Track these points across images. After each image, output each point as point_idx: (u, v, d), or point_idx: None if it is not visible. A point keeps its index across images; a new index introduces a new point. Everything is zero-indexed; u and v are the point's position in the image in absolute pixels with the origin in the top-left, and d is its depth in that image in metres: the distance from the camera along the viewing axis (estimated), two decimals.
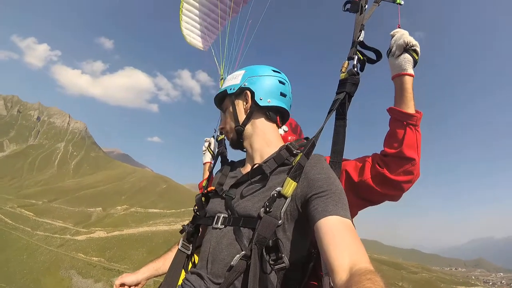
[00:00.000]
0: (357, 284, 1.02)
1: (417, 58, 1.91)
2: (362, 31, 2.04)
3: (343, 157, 2.04)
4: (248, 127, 1.92)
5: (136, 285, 2.16)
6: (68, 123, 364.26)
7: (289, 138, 2.65)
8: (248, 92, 1.91)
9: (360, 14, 2.09)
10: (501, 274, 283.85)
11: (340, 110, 1.87)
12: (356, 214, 2.13)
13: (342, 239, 1.26)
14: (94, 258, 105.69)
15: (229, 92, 1.96)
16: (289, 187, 1.52)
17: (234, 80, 1.99)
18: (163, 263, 2.19)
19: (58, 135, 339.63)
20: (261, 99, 1.88)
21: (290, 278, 1.60)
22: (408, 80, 1.88)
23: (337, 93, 1.90)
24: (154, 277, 2.23)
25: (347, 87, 1.86)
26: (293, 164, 1.60)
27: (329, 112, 1.81)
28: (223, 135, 3.11)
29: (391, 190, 1.96)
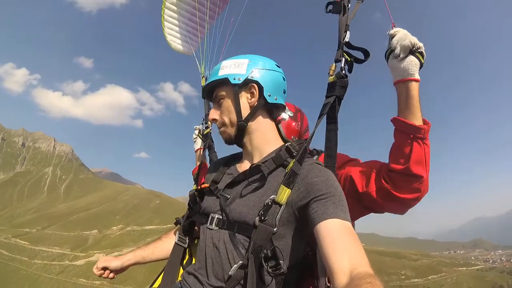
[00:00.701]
0: (357, 287, 1.02)
1: (423, 61, 1.77)
2: (348, 31, 1.93)
3: (350, 156, 2.05)
4: (252, 123, 1.80)
5: (119, 270, 2.09)
6: (54, 147, 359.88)
7: (293, 124, 2.46)
8: (256, 86, 1.78)
9: (343, 14, 1.96)
10: (500, 251, 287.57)
11: (330, 114, 1.79)
12: (356, 219, 2.06)
13: (342, 242, 1.26)
14: (96, 282, 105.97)
15: (232, 81, 1.77)
16: (283, 194, 1.49)
17: (237, 68, 1.80)
18: (152, 252, 2.13)
19: (45, 160, 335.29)
20: (269, 95, 1.79)
21: (286, 280, 1.60)
22: (415, 87, 1.74)
23: (327, 97, 1.82)
24: (140, 264, 2.14)
25: (336, 90, 1.79)
26: (287, 171, 1.56)
27: (319, 117, 1.76)
28: (209, 129, 3.27)
29: (397, 206, 1.87)
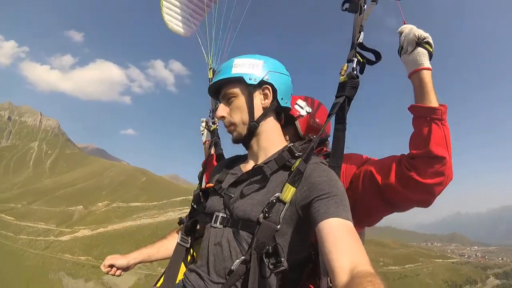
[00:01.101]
0: (358, 286, 1.02)
1: (431, 50, 1.78)
2: (362, 32, 1.95)
3: (365, 155, 2.06)
4: (262, 125, 1.82)
5: (125, 268, 2.16)
6: (40, 121, 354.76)
7: (311, 121, 2.45)
8: (270, 88, 1.80)
9: (359, 14, 1.98)
10: (476, 247, 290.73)
11: (339, 114, 1.80)
12: (380, 219, 2.04)
13: (343, 241, 1.26)
14: (81, 257, 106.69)
15: (248, 82, 1.77)
16: (288, 192, 1.51)
17: (253, 69, 1.80)
18: (157, 251, 2.18)
19: (31, 134, 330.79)
20: (282, 99, 1.82)
21: (288, 279, 1.62)
22: (427, 74, 1.73)
23: (337, 97, 1.83)
24: (145, 262, 2.22)
25: (347, 90, 1.80)
26: (292, 169, 1.58)
27: (328, 116, 1.79)
28: (216, 125, 3.27)
29: (421, 194, 1.76)
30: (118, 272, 2.15)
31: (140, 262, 2.18)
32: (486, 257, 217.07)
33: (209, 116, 3.50)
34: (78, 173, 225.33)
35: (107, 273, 2.11)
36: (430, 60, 1.77)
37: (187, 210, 2.15)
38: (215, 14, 3.81)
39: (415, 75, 1.77)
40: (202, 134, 3.63)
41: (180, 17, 4.45)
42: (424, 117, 1.71)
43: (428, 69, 1.74)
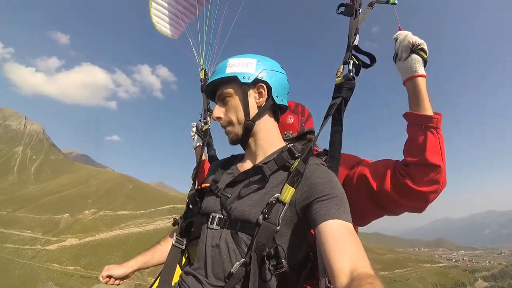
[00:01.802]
0: None
1: (426, 57, 1.75)
2: (357, 35, 1.95)
3: (359, 156, 2.08)
4: (258, 123, 1.78)
5: (123, 277, 2.13)
6: (24, 125, 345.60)
7: (288, 118, 2.49)
8: (265, 86, 1.76)
9: (355, 18, 1.98)
10: (463, 251, 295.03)
11: (336, 115, 1.80)
12: (370, 222, 2.06)
13: (343, 243, 1.25)
14: (70, 267, 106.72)
15: (242, 80, 1.72)
16: (288, 193, 1.49)
17: (246, 67, 1.75)
18: (152, 257, 2.14)
19: (15, 139, 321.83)
20: (277, 96, 1.79)
21: (287, 280, 1.60)
22: (421, 81, 1.72)
23: (333, 98, 1.83)
24: (142, 269, 2.18)
25: (343, 92, 1.80)
26: (291, 170, 1.56)
27: (325, 117, 1.76)
28: (208, 125, 3.25)
29: (415, 201, 1.76)
30: (117, 282, 2.13)
31: (137, 270, 2.16)
32: (473, 260, 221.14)
33: (201, 116, 3.51)
34: (63, 180, 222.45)
35: (106, 283, 2.10)
36: (425, 66, 1.76)
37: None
38: (207, 14, 3.75)
39: (409, 82, 1.77)
40: (193, 139, 3.59)
41: (168, 19, 4.39)
42: (420, 125, 1.72)
43: (422, 76, 1.73)
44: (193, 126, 3.58)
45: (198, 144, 3.47)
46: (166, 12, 4.33)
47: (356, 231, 1.70)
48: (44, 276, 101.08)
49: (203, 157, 3.13)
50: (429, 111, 1.70)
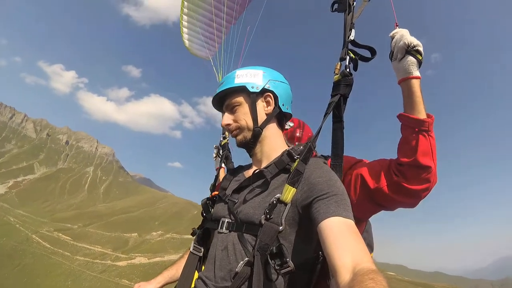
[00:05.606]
0: (360, 284, 1.02)
1: (421, 58, 1.81)
2: (353, 29, 1.97)
3: (358, 158, 2.13)
4: (265, 130, 1.88)
5: None
6: (96, 148, 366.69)
7: (297, 132, 2.69)
8: (272, 95, 1.88)
9: (349, 13, 2.00)
10: None
11: (336, 112, 1.84)
12: (369, 217, 2.19)
13: (345, 240, 1.27)
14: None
15: (251, 90, 1.85)
16: (288, 193, 1.53)
17: (254, 78, 1.88)
18: (177, 270, 2.21)
19: (86, 159, 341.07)
20: (283, 105, 1.90)
21: (297, 280, 1.62)
22: (416, 83, 1.78)
23: (332, 96, 1.86)
24: (169, 283, 2.25)
25: (341, 89, 1.83)
26: (291, 170, 1.61)
27: (324, 116, 1.79)
28: (226, 140, 3.35)
29: (408, 198, 1.89)
30: None
31: (165, 285, 2.24)
32: None
33: (222, 136, 3.64)
34: (130, 201, 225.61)
35: None
36: (419, 68, 1.81)
37: None
38: (226, 34, 4.38)
39: (403, 83, 1.82)
40: (215, 160, 3.78)
41: (199, 41, 4.84)
42: (412, 128, 1.79)
43: (417, 77, 1.79)
44: (215, 148, 3.85)
45: (218, 166, 3.64)
46: (197, 35, 4.88)
47: (361, 231, 1.76)
48: None
49: (221, 171, 3.55)
50: (422, 114, 1.77)
